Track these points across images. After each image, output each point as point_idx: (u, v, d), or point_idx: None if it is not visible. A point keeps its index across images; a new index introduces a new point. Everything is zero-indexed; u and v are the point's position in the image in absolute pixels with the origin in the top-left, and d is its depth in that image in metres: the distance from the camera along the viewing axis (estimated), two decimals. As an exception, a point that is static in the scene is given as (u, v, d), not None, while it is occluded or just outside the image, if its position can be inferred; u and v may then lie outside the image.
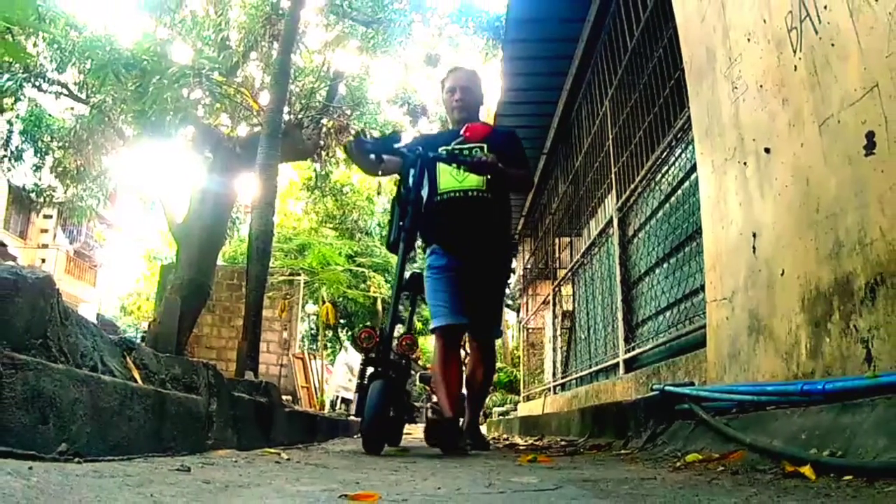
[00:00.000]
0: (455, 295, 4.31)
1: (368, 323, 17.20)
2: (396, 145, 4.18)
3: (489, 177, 4.21)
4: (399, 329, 4.91)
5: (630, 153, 6.00)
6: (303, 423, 5.06)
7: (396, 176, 4.51)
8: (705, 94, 3.51)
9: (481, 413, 4.79)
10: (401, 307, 4.56)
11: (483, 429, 6.17)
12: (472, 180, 4.30)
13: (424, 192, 4.20)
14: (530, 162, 10.72)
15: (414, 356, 4.34)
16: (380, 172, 4.59)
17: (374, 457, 3.38)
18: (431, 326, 4.41)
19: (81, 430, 1.90)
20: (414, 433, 9.31)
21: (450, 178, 4.35)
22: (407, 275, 4.56)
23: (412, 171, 4.10)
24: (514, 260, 13.35)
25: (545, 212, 11.00)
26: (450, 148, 4.27)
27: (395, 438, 4.48)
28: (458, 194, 4.34)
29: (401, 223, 4.02)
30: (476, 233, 4.32)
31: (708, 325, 3.46)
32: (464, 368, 4.68)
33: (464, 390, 4.60)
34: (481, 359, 4.62)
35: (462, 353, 5.07)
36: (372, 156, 4.12)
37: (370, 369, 3.89)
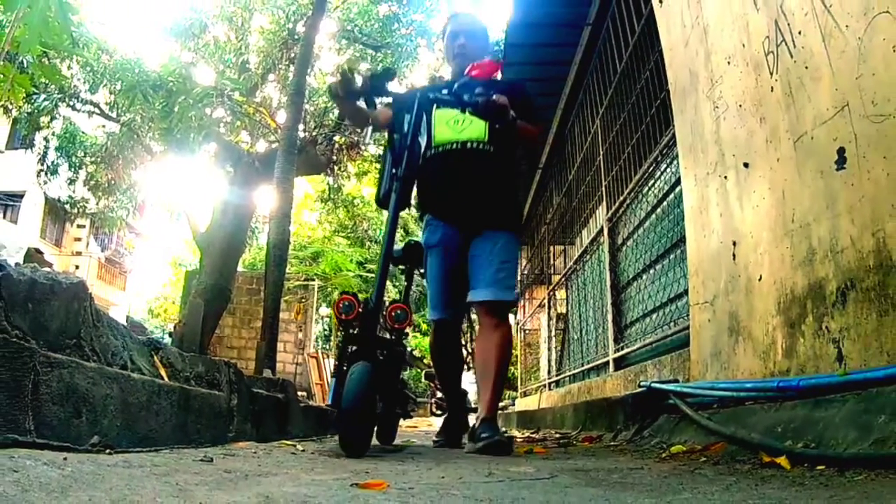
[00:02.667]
0: (446, 285, 3.62)
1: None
2: (389, 85, 3.26)
3: (496, 126, 3.38)
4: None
5: (619, 167, 6.00)
6: (317, 417, 5.05)
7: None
8: (689, 112, 3.52)
9: (498, 404, 3.63)
10: (388, 279, 3.50)
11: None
12: (472, 131, 3.51)
13: (423, 141, 3.37)
14: (528, 174, 10.81)
15: (404, 329, 3.20)
16: (370, 122, 3.53)
17: (381, 450, 3.26)
18: (428, 318, 3.77)
19: (112, 424, 1.90)
20: (419, 426, 9.29)
21: (446, 128, 3.56)
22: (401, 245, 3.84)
23: (407, 118, 3.21)
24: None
25: (541, 221, 10.99)
26: (454, 90, 3.34)
27: (387, 436, 3.74)
28: (455, 146, 3.53)
29: (393, 171, 3.12)
30: (476, 192, 3.51)
31: (691, 327, 3.46)
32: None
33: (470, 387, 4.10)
34: (490, 332, 3.55)
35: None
36: (362, 102, 3.28)
37: (352, 348, 2.92)
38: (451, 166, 3.54)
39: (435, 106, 3.47)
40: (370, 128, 3.51)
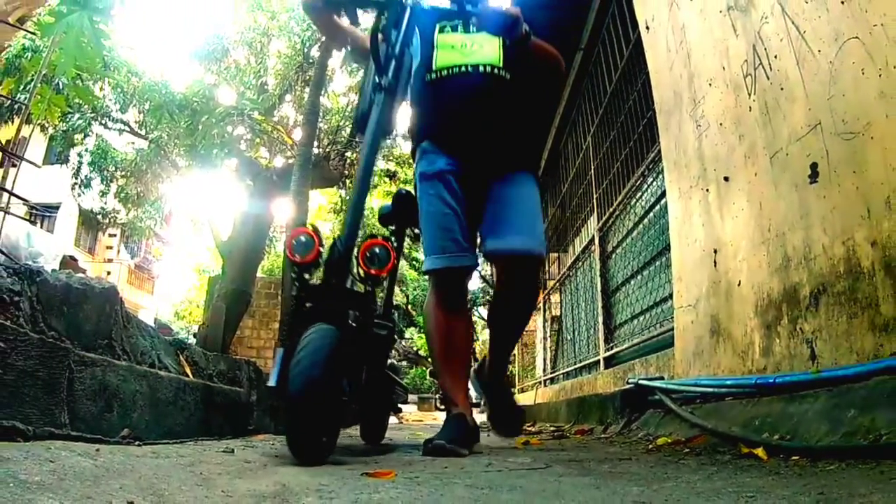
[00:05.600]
0: (456, 218, 2.59)
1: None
2: None
3: (508, 42, 2.63)
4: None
5: (609, 181, 6.00)
6: (329, 412, 5.02)
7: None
8: (673, 130, 3.52)
9: (507, 367, 2.88)
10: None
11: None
12: (484, 54, 2.67)
13: (416, 62, 2.63)
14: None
15: (388, 275, 2.15)
16: (349, 40, 2.72)
17: (386, 444, 3.03)
18: (424, 268, 2.64)
19: (141, 418, 1.91)
20: (425, 419, 9.24)
21: (452, 51, 2.70)
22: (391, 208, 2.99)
23: (395, 32, 2.32)
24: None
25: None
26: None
27: (374, 433, 2.88)
28: (463, 69, 2.65)
29: (377, 81, 2.23)
30: (491, 123, 2.62)
31: (676, 328, 3.46)
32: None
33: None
34: (513, 282, 2.63)
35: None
36: (341, 16, 2.55)
37: (309, 305, 1.91)
38: (459, 92, 2.64)
39: (437, 30, 2.76)
40: (348, 48, 2.73)
